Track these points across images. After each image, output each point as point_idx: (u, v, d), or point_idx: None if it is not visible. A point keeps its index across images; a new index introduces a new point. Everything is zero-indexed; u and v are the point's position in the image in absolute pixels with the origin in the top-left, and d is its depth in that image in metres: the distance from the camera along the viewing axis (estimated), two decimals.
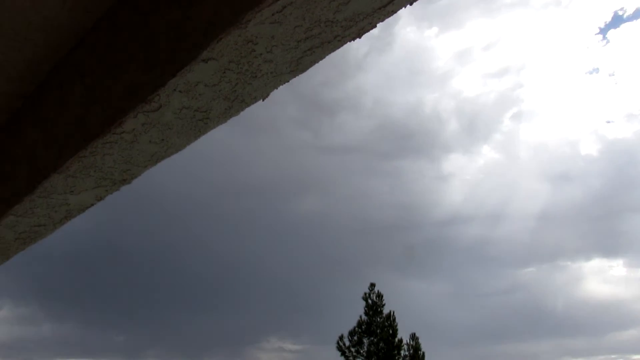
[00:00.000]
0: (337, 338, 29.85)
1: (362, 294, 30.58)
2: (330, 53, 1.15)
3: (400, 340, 28.18)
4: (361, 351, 28.45)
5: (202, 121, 1.33)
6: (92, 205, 1.76)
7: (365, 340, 28.56)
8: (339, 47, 1.13)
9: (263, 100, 1.29)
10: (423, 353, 28.06)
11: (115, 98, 1.33)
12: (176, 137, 1.39)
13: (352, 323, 31.15)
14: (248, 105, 1.30)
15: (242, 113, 1.37)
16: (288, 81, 1.23)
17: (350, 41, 1.12)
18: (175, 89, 1.19)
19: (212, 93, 1.23)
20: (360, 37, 1.11)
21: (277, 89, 1.25)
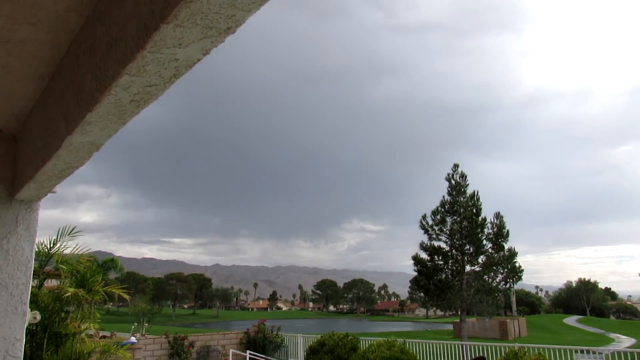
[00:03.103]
0: (414, 220, 30.60)
1: (441, 177, 30.57)
2: None
3: (484, 219, 28.34)
4: (444, 229, 29.08)
5: None
6: (199, 60, 1.78)
7: (448, 219, 29.01)
8: None
9: None
10: (507, 231, 28.19)
11: None
12: None
13: (430, 205, 31.58)
14: None
15: None
16: None
17: None
18: None
19: None
20: None
21: None
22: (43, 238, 6.61)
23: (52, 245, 6.47)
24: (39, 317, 3.92)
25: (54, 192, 5.04)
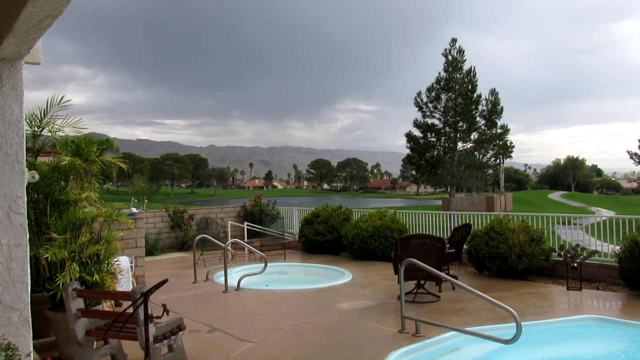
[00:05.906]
0: (408, 100, 30.31)
1: (436, 56, 29.73)
2: None
3: (479, 96, 28.16)
4: (438, 107, 28.99)
5: None
6: None
7: (443, 96, 28.80)
8: None
9: None
10: (501, 108, 28.17)
11: None
12: None
13: (426, 85, 31.07)
14: None
15: None
16: None
17: None
18: None
19: None
20: None
21: None
22: (33, 110, 6.53)
23: (42, 115, 6.41)
24: (37, 176, 3.99)
25: (39, 64, 4.85)
